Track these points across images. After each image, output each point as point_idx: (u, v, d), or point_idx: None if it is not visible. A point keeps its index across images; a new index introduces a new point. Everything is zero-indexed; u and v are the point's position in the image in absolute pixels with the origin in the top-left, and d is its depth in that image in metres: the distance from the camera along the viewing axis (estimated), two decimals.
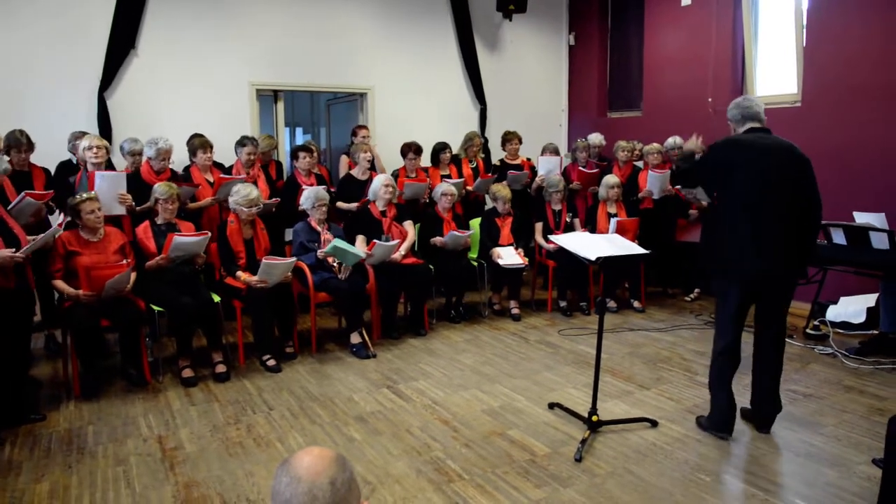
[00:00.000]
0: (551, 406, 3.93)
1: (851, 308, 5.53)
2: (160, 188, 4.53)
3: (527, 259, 5.86)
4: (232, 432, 3.63)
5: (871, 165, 5.63)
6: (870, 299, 5.45)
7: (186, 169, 5.58)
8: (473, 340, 5.32)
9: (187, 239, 4.39)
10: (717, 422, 3.55)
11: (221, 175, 5.39)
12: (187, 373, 4.37)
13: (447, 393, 4.20)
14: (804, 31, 6.22)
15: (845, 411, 3.89)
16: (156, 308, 4.32)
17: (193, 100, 6.48)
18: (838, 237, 4.78)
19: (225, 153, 5.89)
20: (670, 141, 6.59)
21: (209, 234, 4.52)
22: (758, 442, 3.51)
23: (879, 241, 4.50)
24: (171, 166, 5.23)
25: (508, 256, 5.76)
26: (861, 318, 5.43)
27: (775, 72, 6.69)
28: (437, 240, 5.62)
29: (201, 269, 4.65)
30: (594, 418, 3.54)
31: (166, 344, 5.00)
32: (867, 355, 4.83)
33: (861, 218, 4.92)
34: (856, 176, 5.72)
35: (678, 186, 5.99)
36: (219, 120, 6.47)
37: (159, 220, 4.56)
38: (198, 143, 5.39)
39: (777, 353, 3.57)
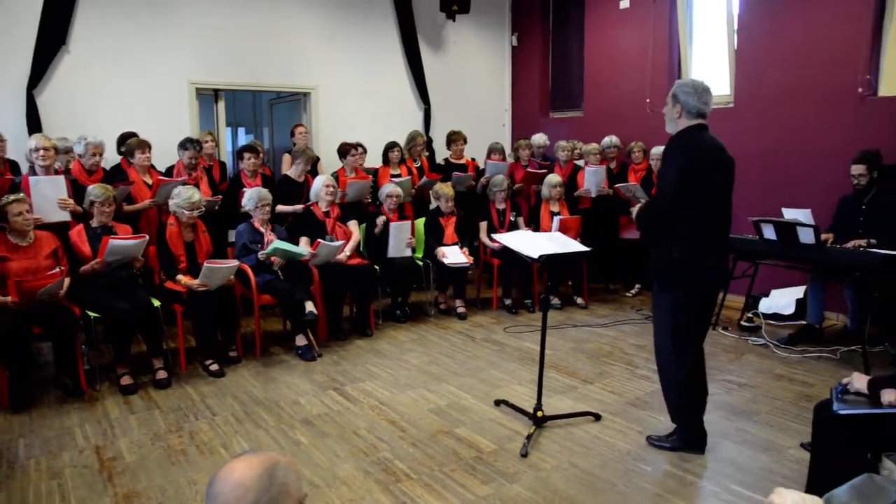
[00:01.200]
0: (497, 403, 3.98)
1: (782, 300, 5.78)
2: (95, 190, 4.38)
3: (472, 258, 5.91)
4: (174, 440, 3.54)
5: (798, 163, 5.89)
6: (798, 291, 5.70)
7: (117, 167, 5.40)
8: (420, 340, 5.34)
9: (124, 242, 4.26)
10: (697, 439, 3.38)
11: (161, 177, 5.25)
12: (126, 380, 4.24)
13: (394, 393, 4.20)
14: (735, 34, 6.46)
15: (776, 399, 4.06)
16: (91, 314, 4.18)
17: (130, 99, 6.29)
18: (769, 232, 4.97)
19: (164, 154, 5.74)
20: (606, 140, 6.78)
21: (147, 237, 4.40)
22: None
23: (806, 236, 4.70)
24: (104, 165, 5.07)
25: (453, 255, 5.79)
26: (791, 310, 5.68)
27: (710, 73, 6.91)
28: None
29: (140, 272, 4.52)
30: (539, 414, 3.59)
31: (103, 351, 4.83)
32: (796, 345, 5.05)
33: (789, 214, 5.14)
34: (785, 174, 5.98)
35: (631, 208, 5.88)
36: (157, 119, 6.31)
37: (94, 223, 4.41)
38: (135, 144, 5.23)
39: (703, 360, 3.48)
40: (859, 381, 2.48)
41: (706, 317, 3.40)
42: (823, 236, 4.82)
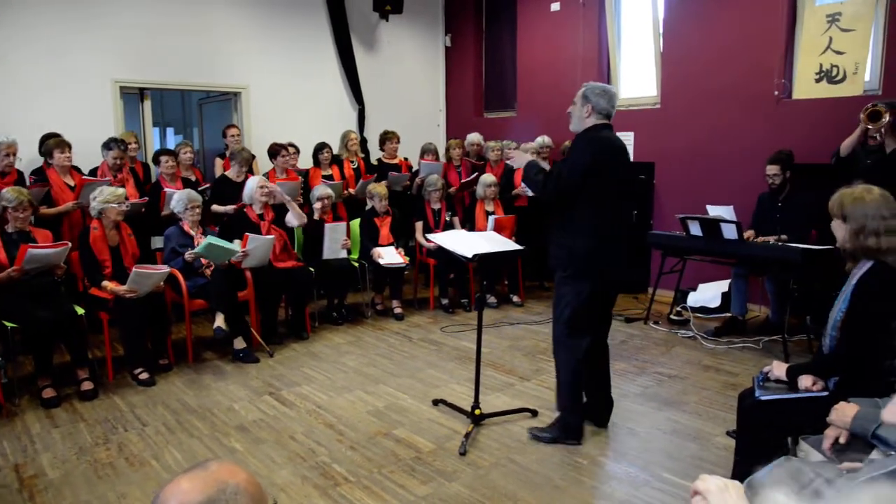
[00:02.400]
0: (435, 402, 3.99)
1: (708, 293, 6.01)
2: (8, 194, 4.15)
3: (407, 258, 5.90)
4: (101, 453, 3.40)
5: (721, 162, 6.13)
6: (723, 285, 5.94)
7: (39, 170, 5.17)
8: (356, 342, 5.30)
9: (44, 251, 4.06)
10: (577, 429, 3.49)
11: (84, 177, 5.05)
12: (48, 393, 4.04)
13: (331, 396, 4.16)
14: (661, 38, 6.67)
15: (704, 388, 4.22)
16: (8, 324, 3.97)
17: (49, 97, 6.00)
18: (695, 229, 5.16)
19: (86, 155, 5.51)
20: (539, 140, 6.91)
21: (68, 244, 4.21)
22: (630, 424, 3.73)
23: (729, 232, 4.91)
24: (21, 168, 4.84)
25: (389, 256, 5.78)
26: (717, 303, 5.91)
27: (637, 75, 7.13)
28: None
29: (62, 279, 4.32)
30: (477, 412, 3.62)
31: (23, 363, 4.60)
32: (722, 336, 5.27)
33: (713, 211, 5.34)
34: (708, 172, 6.22)
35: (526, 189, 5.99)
36: (78, 119, 6.04)
37: (10, 229, 4.19)
38: (53, 144, 5.01)
39: (608, 351, 3.64)
40: (779, 369, 2.60)
41: (603, 310, 3.51)
42: (746, 233, 5.04)
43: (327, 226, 5.55)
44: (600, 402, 3.65)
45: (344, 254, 5.70)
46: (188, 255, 4.64)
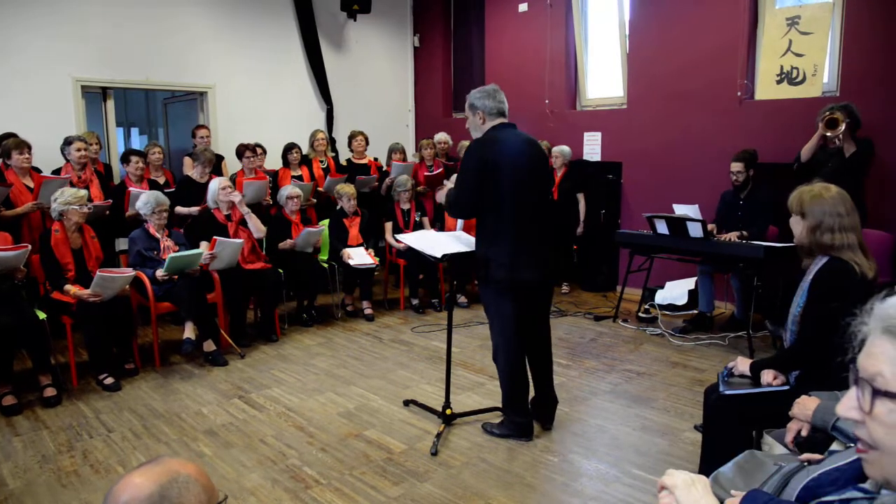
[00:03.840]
0: (406, 403, 3.99)
1: (676, 291, 6.11)
2: None
3: (377, 259, 5.89)
4: (65, 461, 3.33)
5: (686, 161, 6.24)
6: (690, 283, 6.05)
7: None
8: (327, 343, 5.27)
9: (2, 254, 3.95)
10: (525, 426, 3.50)
11: (42, 175, 4.94)
12: (8, 400, 3.93)
13: (301, 398, 4.13)
14: (627, 39, 6.76)
15: (672, 385, 4.29)
16: None
17: (6, 96, 5.85)
18: (661, 227, 5.23)
19: (46, 156, 5.39)
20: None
21: (28, 247, 4.10)
22: (599, 420, 3.77)
23: (695, 230, 4.99)
24: None
25: (359, 256, 5.76)
26: (684, 300, 6.01)
27: (604, 76, 7.21)
28: (287, 243, 5.51)
29: (22, 283, 4.22)
30: (448, 412, 3.63)
31: None
32: (689, 333, 5.36)
33: (679, 209, 5.43)
34: (675, 171, 6.32)
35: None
36: (39, 119, 5.92)
37: None
38: (12, 144, 4.88)
39: (548, 350, 3.61)
40: (743, 365, 2.66)
41: (535, 311, 3.48)
42: (710, 226, 5.13)
43: (306, 230, 5.54)
44: (543, 401, 3.62)
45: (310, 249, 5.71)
46: (160, 275, 4.57)
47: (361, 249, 5.86)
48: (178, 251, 4.73)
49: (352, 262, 5.68)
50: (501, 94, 3.36)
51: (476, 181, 3.21)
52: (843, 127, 4.55)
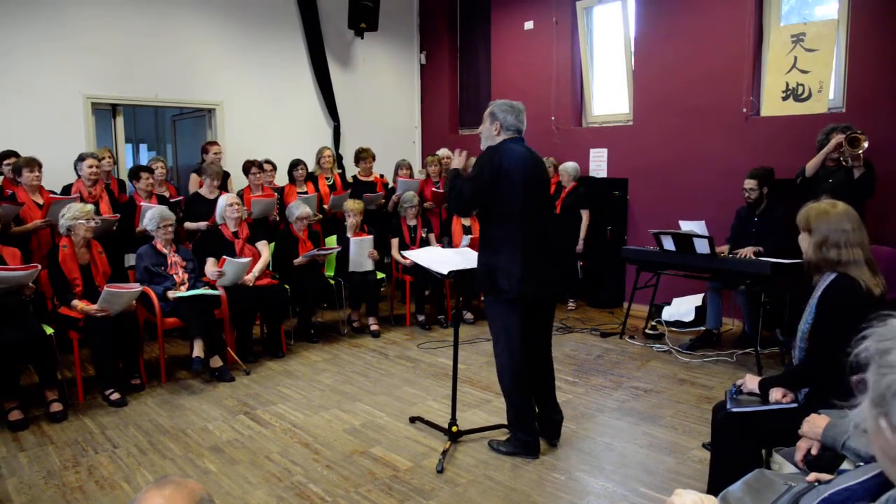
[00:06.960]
0: (412, 420, 3.97)
1: (683, 308, 6.08)
2: None
3: (377, 254, 5.98)
4: (70, 477, 3.32)
5: (692, 178, 6.24)
6: (697, 299, 6.02)
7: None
8: (333, 359, 5.26)
9: (12, 273, 3.97)
10: (531, 445, 3.47)
11: (52, 195, 4.98)
12: (15, 415, 3.93)
13: (307, 415, 4.12)
14: (632, 56, 6.79)
15: (680, 402, 4.26)
16: None
17: (18, 114, 5.92)
18: (668, 244, 5.23)
19: (56, 173, 5.44)
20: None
21: (38, 267, 4.12)
22: (606, 438, 3.74)
23: (702, 247, 4.98)
24: None
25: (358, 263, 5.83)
26: (691, 317, 5.98)
27: (610, 92, 7.24)
28: (300, 261, 5.53)
29: (30, 298, 4.24)
30: (454, 429, 3.61)
31: None
32: (697, 350, 5.32)
33: (686, 226, 5.42)
34: (681, 187, 6.32)
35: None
36: (50, 136, 5.99)
37: None
38: (23, 162, 4.94)
39: (551, 366, 3.61)
40: (751, 382, 2.64)
41: (539, 326, 3.47)
42: (719, 248, 5.11)
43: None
44: (547, 416, 3.60)
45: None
46: (171, 296, 4.62)
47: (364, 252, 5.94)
48: (185, 266, 4.77)
49: (351, 264, 5.79)
50: (524, 116, 3.38)
51: (493, 181, 3.21)
52: (864, 146, 4.57)
